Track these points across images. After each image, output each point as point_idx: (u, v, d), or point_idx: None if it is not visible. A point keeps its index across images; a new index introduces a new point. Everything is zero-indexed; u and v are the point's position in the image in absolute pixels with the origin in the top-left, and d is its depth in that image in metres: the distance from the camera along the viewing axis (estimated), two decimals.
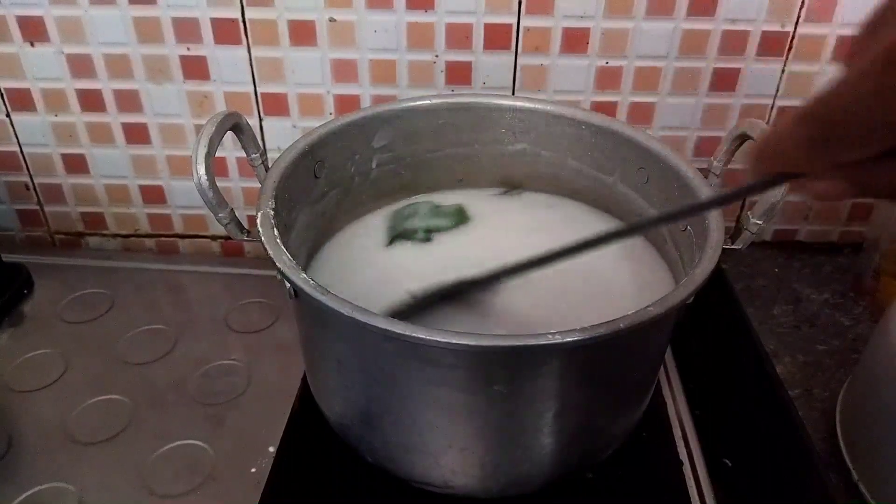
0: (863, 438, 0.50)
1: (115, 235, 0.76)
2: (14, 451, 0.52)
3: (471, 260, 0.54)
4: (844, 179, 0.23)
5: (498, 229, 0.57)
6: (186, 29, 0.62)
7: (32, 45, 0.64)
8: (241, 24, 0.62)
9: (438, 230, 0.56)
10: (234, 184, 0.71)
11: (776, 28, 0.62)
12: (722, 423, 0.57)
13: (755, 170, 0.25)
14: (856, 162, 0.22)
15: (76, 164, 0.71)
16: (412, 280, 0.51)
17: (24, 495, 0.49)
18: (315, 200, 0.53)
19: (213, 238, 0.75)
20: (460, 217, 0.58)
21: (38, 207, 0.74)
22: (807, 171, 0.24)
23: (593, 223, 0.58)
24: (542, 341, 0.36)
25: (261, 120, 0.67)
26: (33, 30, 0.63)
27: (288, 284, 0.40)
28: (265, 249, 0.41)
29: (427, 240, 0.56)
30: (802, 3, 0.60)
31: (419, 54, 0.63)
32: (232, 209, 0.46)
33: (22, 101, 0.67)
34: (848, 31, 0.62)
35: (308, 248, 0.54)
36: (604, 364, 0.42)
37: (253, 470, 0.51)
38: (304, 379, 0.57)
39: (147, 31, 0.63)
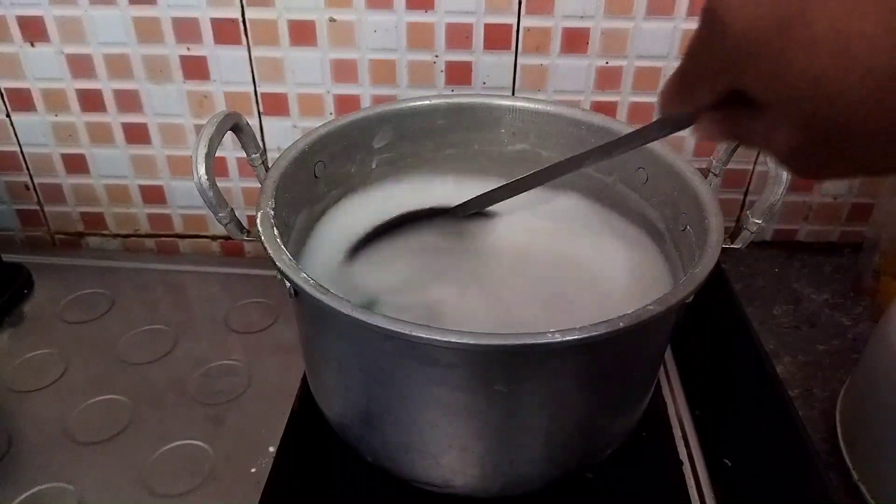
0: (863, 438, 0.50)
1: (115, 235, 0.76)
2: (14, 451, 0.52)
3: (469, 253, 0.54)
4: (716, 123, 0.29)
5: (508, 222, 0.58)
6: (186, 29, 0.62)
7: (32, 45, 0.64)
8: (241, 24, 0.62)
9: None
10: (234, 184, 0.71)
11: None
12: (722, 423, 0.57)
13: (662, 112, 0.31)
14: (714, 106, 0.27)
15: (76, 164, 0.71)
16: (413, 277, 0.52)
17: (24, 495, 0.49)
18: (315, 200, 0.53)
19: (213, 238, 0.75)
20: None
21: (38, 207, 0.74)
22: (684, 109, 0.30)
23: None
24: (542, 340, 0.36)
25: (261, 120, 0.67)
26: (33, 30, 0.63)
27: (288, 284, 0.40)
28: (265, 249, 0.41)
29: None
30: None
31: (419, 54, 0.63)
32: (232, 209, 0.46)
33: (22, 101, 0.67)
34: None
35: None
36: (604, 364, 0.42)
37: (253, 470, 0.51)
38: (304, 379, 0.57)
39: (147, 31, 0.63)
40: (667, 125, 0.34)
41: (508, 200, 0.60)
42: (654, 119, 0.35)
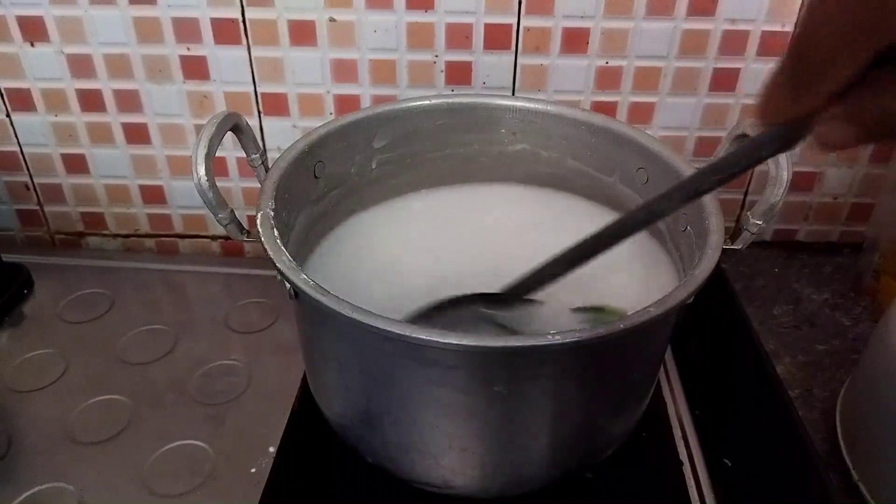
0: (863, 438, 0.50)
1: (115, 235, 0.76)
2: (14, 451, 0.52)
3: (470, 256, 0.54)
4: (845, 120, 0.22)
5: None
6: (186, 29, 0.62)
7: (32, 45, 0.64)
8: (241, 24, 0.62)
9: None
10: (234, 184, 0.71)
11: (776, 28, 0.62)
12: (722, 423, 0.57)
13: (757, 128, 0.25)
14: (845, 90, 0.21)
15: (76, 164, 0.71)
16: (412, 277, 0.52)
17: (24, 495, 0.49)
18: (315, 200, 0.53)
19: (213, 238, 0.75)
20: None
21: (38, 207, 0.74)
22: (801, 110, 0.22)
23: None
24: (542, 342, 0.36)
25: (261, 120, 0.67)
26: (33, 30, 0.63)
27: (288, 284, 0.40)
28: (265, 249, 0.41)
29: None
30: (803, 2, 0.60)
31: (419, 54, 0.63)
32: (232, 209, 0.46)
33: (22, 101, 0.67)
34: None
35: (308, 248, 0.54)
36: (604, 365, 0.42)
37: (253, 470, 0.51)
38: (304, 379, 0.57)
39: (147, 31, 0.63)
40: (771, 143, 0.25)
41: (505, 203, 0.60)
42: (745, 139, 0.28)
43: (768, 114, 0.23)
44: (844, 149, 0.23)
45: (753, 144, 0.26)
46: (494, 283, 0.52)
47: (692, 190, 0.34)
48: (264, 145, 0.68)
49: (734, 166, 0.29)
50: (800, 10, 0.61)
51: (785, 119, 0.23)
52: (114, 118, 0.68)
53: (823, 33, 0.20)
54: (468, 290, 0.50)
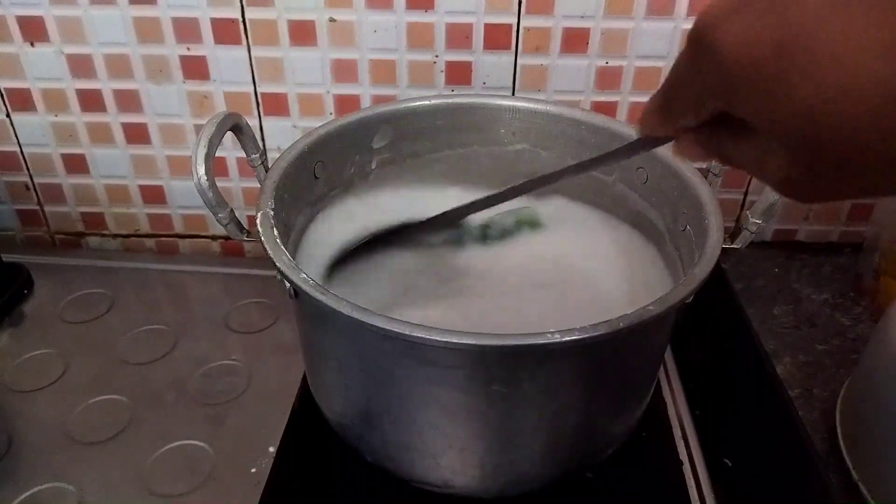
0: (863, 438, 0.50)
1: (115, 235, 0.76)
2: (14, 451, 0.52)
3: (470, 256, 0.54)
4: (698, 144, 0.28)
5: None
6: (186, 29, 0.62)
7: (32, 45, 0.64)
8: (241, 24, 0.62)
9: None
10: (234, 184, 0.71)
11: None
12: (722, 423, 0.57)
13: (640, 132, 0.31)
14: (698, 127, 0.27)
15: (76, 164, 0.71)
16: (412, 277, 0.52)
17: (24, 495, 0.49)
18: (315, 200, 0.53)
19: (213, 238, 0.75)
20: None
21: (38, 207, 0.74)
22: (666, 133, 0.29)
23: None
24: (542, 341, 0.36)
25: (261, 120, 0.67)
26: (33, 30, 0.63)
27: (288, 284, 0.40)
28: (265, 249, 0.41)
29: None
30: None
31: (419, 54, 0.63)
32: (232, 209, 0.46)
33: (22, 101, 0.67)
34: None
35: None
36: (603, 364, 0.42)
37: (253, 470, 0.51)
38: (304, 379, 0.57)
39: (147, 31, 0.63)
40: (645, 145, 0.33)
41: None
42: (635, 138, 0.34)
43: (644, 127, 0.30)
44: (696, 162, 0.30)
45: (634, 144, 0.34)
46: (494, 282, 0.52)
47: (578, 170, 0.41)
48: (264, 145, 0.68)
49: (620, 156, 0.37)
50: None
51: (655, 133, 0.30)
52: (114, 118, 0.68)
53: (678, 85, 0.27)
54: (468, 290, 0.50)
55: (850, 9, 0.20)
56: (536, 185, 0.44)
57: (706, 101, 0.25)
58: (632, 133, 0.53)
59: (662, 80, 0.27)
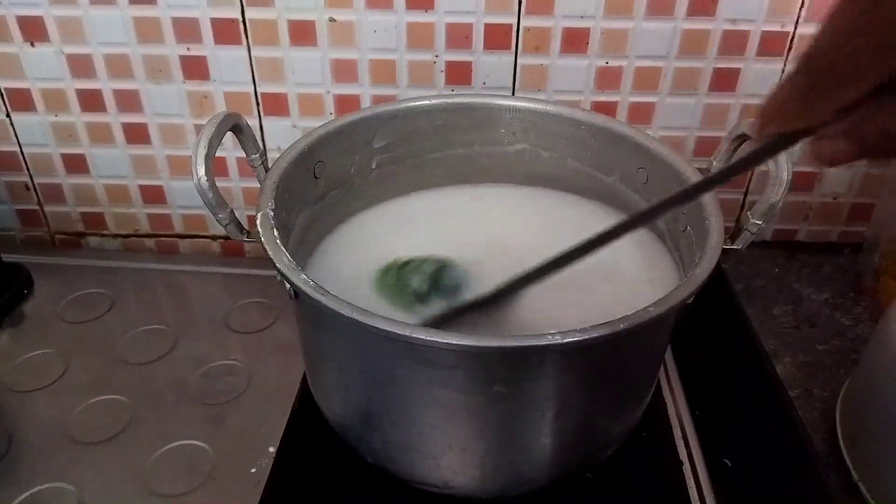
0: (863, 438, 0.50)
1: (115, 235, 0.76)
2: (14, 451, 0.52)
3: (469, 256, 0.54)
4: (846, 137, 0.23)
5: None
6: (186, 29, 0.62)
7: (32, 45, 0.64)
8: (241, 24, 0.62)
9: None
10: (234, 184, 0.71)
11: (776, 28, 0.62)
12: (722, 423, 0.57)
13: (761, 134, 0.25)
14: (852, 107, 0.22)
15: (76, 164, 0.71)
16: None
17: (24, 495, 0.49)
18: (315, 200, 0.53)
19: (213, 238, 0.75)
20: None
21: (38, 207, 0.74)
22: (808, 123, 0.23)
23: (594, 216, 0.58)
24: (542, 342, 0.36)
25: (261, 120, 0.67)
26: (33, 30, 0.63)
27: (288, 285, 0.40)
28: (265, 250, 0.41)
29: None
30: (802, 3, 0.60)
31: (419, 54, 0.63)
32: (232, 209, 0.46)
33: (22, 101, 0.67)
34: None
35: (308, 248, 0.54)
36: (604, 364, 0.42)
37: (253, 470, 0.51)
38: (304, 379, 0.57)
39: (147, 31, 0.63)
40: (768, 150, 0.26)
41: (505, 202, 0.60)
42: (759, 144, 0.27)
43: (776, 121, 0.24)
44: (838, 164, 0.24)
45: (756, 152, 0.27)
46: (493, 283, 0.52)
47: (694, 192, 0.37)
48: (264, 145, 0.68)
49: (735, 171, 0.32)
50: (799, 12, 0.61)
51: (791, 128, 0.23)
52: (114, 118, 0.68)
53: (840, 53, 0.21)
54: (467, 291, 0.50)
55: None
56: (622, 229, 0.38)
57: (878, 62, 0.20)
58: (633, 133, 0.53)
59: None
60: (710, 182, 0.37)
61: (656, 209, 0.36)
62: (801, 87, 0.23)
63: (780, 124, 0.24)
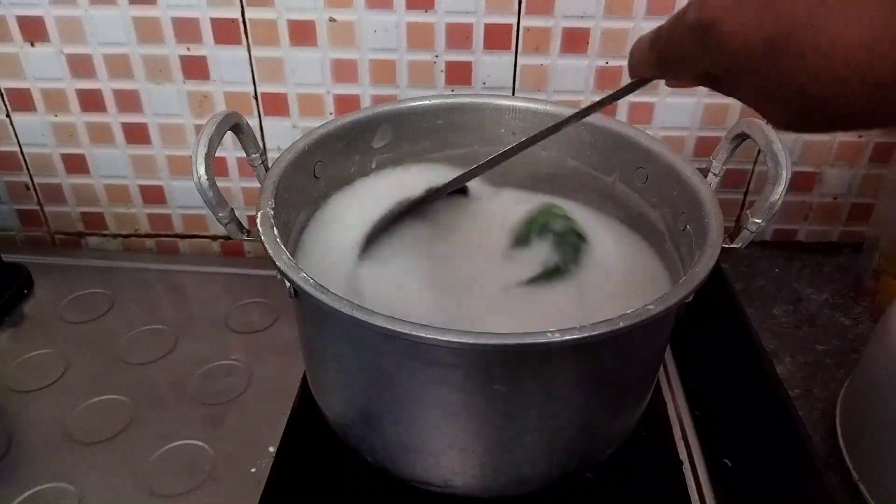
0: (863, 438, 0.50)
1: (115, 235, 0.76)
2: (14, 451, 0.52)
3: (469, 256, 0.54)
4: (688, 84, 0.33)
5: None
6: (186, 29, 0.62)
7: (32, 45, 0.64)
8: (241, 24, 0.62)
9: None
10: (234, 184, 0.71)
11: None
12: (722, 423, 0.57)
13: (630, 73, 0.35)
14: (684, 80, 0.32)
15: (76, 164, 0.71)
16: (411, 277, 0.52)
17: (24, 495, 0.49)
18: (315, 200, 0.53)
19: (213, 238, 0.75)
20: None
21: (38, 207, 0.74)
22: (654, 78, 0.35)
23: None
24: (542, 340, 0.36)
25: (261, 120, 0.67)
26: (33, 30, 0.63)
27: (288, 284, 0.40)
28: (265, 249, 0.41)
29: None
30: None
31: (419, 54, 0.63)
32: (232, 209, 0.46)
33: (22, 101, 0.67)
34: None
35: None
36: (603, 364, 0.42)
37: (253, 470, 0.51)
38: (304, 379, 0.57)
39: (147, 31, 0.63)
40: (637, 85, 0.38)
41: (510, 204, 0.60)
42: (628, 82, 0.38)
43: (639, 68, 0.34)
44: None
45: (626, 87, 0.38)
46: (493, 282, 0.52)
47: (577, 117, 0.45)
48: (264, 145, 0.68)
49: (612, 99, 0.41)
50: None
51: (648, 77, 0.35)
52: (114, 118, 0.68)
53: (677, 56, 0.31)
54: (466, 289, 0.50)
55: (834, 7, 0.23)
56: (533, 140, 0.46)
57: (704, 76, 0.29)
58: (633, 133, 0.54)
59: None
60: (592, 107, 0.43)
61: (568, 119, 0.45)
62: (652, 60, 0.33)
63: (643, 73, 0.34)
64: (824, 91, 0.24)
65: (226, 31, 0.62)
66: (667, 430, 0.56)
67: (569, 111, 0.55)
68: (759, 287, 0.68)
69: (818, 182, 0.71)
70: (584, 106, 0.45)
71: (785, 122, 0.27)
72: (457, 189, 0.53)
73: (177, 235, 0.75)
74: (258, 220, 0.43)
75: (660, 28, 0.32)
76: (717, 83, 0.29)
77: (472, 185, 0.55)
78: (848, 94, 0.23)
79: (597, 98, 0.64)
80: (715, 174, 0.50)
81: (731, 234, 0.47)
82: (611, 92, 0.40)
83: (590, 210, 0.58)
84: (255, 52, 0.63)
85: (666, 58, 0.32)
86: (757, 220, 0.46)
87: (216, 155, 0.44)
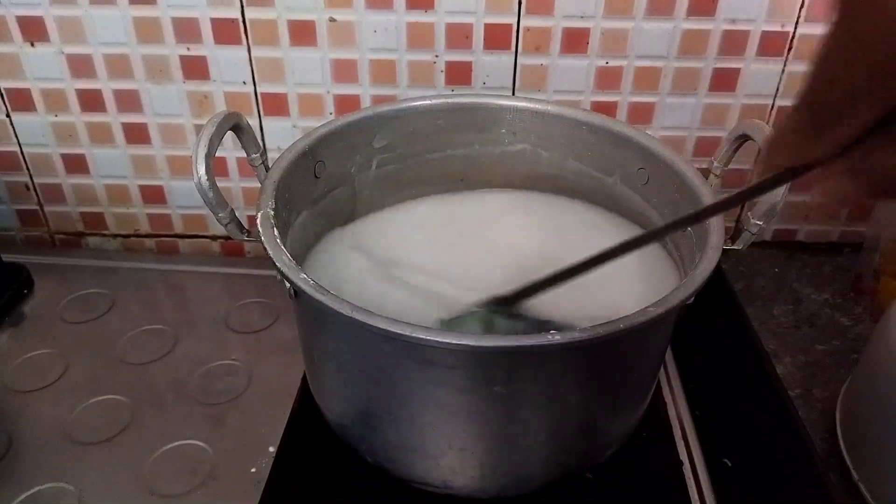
0: (863, 438, 0.50)
1: (115, 235, 0.76)
2: (14, 451, 0.52)
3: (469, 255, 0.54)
4: (850, 176, 0.22)
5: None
6: (186, 29, 0.62)
7: (32, 45, 0.64)
8: (241, 24, 0.62)
9: None
10: (234, 184, 0.71)
11: (776, 28, 0.62)
12: (722, 423, 0.57)
13: (766, 167, 0.25)
14: (853, 144, 0.21)
15: (76, 164, 0.71)
16: (411, 276, 0.52)
17: (24, 495, 0.49)
18: (315, 200, 0.53)
19: (213, 238, 0.75)
20: None
21: (38, 207, 0.74)
22: (809, 158, 0.23)
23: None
24: (542, 341, 0.36)
25: (261, 120, 0.67)
26: (33, 30, 0.63)
27: (288, 284, 0.40)
28: (265, 249, 0.41)
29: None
30: (802, 3, 0.60)
31: (419, 54, 0.63)
32: (232, 209, 0.46)
33: (22, 101, 0.67)
34: None
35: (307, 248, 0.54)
36: (603, 365, 0.42)
37: (253, 470, 0.51)
38: (304, 379, 0.57)
39: (147, 31, 0.63)
40: (773, 182, 0.26)
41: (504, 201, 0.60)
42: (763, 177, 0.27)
43: (781, 154, 0.23)
44: (847, 205, 0.23)
45: (756, 186, 0.28)
46: (493, 282, 0.52)
47: (696, 218, 0.40)
48: (264, 145, 0.68)
49: (734, 203, 0.34)
50: (799, 12, 0.61)
51: (794, 163, 0.23)
52: (114, 118, 0.68)
53: (842, 80, 0.20)
54: (466, 289, 0.50)
55: None
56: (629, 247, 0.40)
57: (876, 89, 0.19)
58: (633, 133, 0.53)
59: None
60: (719, 206, 0.38)
61: (666, 228, 0.39)
62: (801, 122, 0.22)
63: (785, 158, 0.24)
64: None
65: (226, 31, 0.62)
66: (667, 430, 0.56)
67: (568, 111, 0.56)
68: (759, 287, 0.68)
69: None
70: (584, 106, 0.45)
71: None
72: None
73: (177, 235, 0.75)
74: (258, 221, 0.43)
75: (804, 85, 0.21)
76: (879, 137, 0.20)
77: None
78: None
79: (595, 98, 0.65)
80: (716, 175, 0.50)
81: (732, 236, 0.47)
82: (728, 196, 0.33)
83: (591, 210, 0.59)
84: (255, 52, 0.63)
85: (813, 99, 0.21)
86: (758, 222, 0.46)
87: (216, 155, 0.44)
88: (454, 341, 0.36)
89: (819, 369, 0.59)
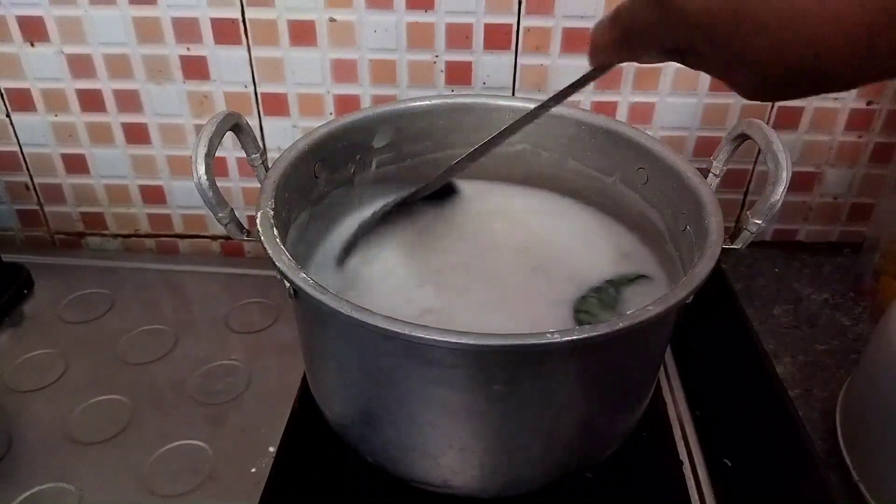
0: (863, 438, 0.50)
1: (115, 235, 0.76)
2: (14, 451, 0.52)
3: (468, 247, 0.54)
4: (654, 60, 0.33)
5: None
6: (186, 29, 0.62)
7: (32, 45, 0.64)
8: (241, 24, 0.62)
9: None
10: (234, 184, 0.71)
11: None
12: (722, 423, 0.57)
13: (590, 62, 0.35)
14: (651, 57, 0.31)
15: (76, 164, 0.71)
16: (413, 276, 0.52)
17: (24, 495, 0.49)
18: (315, 200, 0.53)
19: (213, 238, 0.75)
20: None
21: (38, 207, 0.74)
22: (619, 62, 0.35)
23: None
24: (542, 341, 0.36)
25: (261, 120, 0.67)
26: (33, 30, 0.63)
27: (288, 284, 0.40)
28: (265, 249, 0.41)
29: None
30: None
31: (419, 54, 0.63)
32: (232, 209, 0.46)
33: (22, 101, 0.67)
34: None
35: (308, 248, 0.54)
36: (603, 364, 0.42)
37: (253, 470, 0.51)
38: (304, 379, 0.57)
39: (147, 31, 0.63)
40: (600, 71, 0.37)
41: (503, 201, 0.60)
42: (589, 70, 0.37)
43: (600, 55, 0.34)
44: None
45: (584, 77, 0.37)
46: (493, 281, 0.52)
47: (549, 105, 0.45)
48: (264, 145, 0.68)
49: (572, 90, 0.40)
50: None
51: (612, 63, 0.35)
52: (114, 118, 0.68)
53: (639, 33, 0.30)
54: (466, 288, 0.50)
55: None
56: (514, 129, 0.46)
57: (668, 51, 0.29)
58: (633, 133, 0.53)
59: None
60: (556, 97, 0.43)
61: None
62: (615, 42, 0.32)
63: (605, 59, 0.34)
64: (783, 54, 0.24)
65: (226, 31, 0.62)
66: (667, 430, 0.56)
67: (568, 111, 0.56)
68: (759, 287, 0.68)
69: (818, 182, 0.71)
70: (583, 106, 0.45)
71: (757, 91, 0.27)
72: (447, 189, 0.53)
73: (177, 235, 0.75)
74: (258, 221, 0.43)
75: (619, 6, 0.31)
76: (683, 57, 0.29)
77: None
78: (804, 56, 0.24)
79: (595, 98, 0.65)
80: (715, 175, 0.50)
81: (732, 235, 0.47)
82: (573, 81, 0.39)
83: (591, 210, 0.59)
84: (255, 52, 0.63)
85: (629, 35, 0.31)
86: (757, 221, 0.46)
87: (216, 155, 0.44)
88: (454, 340, 0.36)
89: (819, 369, 0.59)
